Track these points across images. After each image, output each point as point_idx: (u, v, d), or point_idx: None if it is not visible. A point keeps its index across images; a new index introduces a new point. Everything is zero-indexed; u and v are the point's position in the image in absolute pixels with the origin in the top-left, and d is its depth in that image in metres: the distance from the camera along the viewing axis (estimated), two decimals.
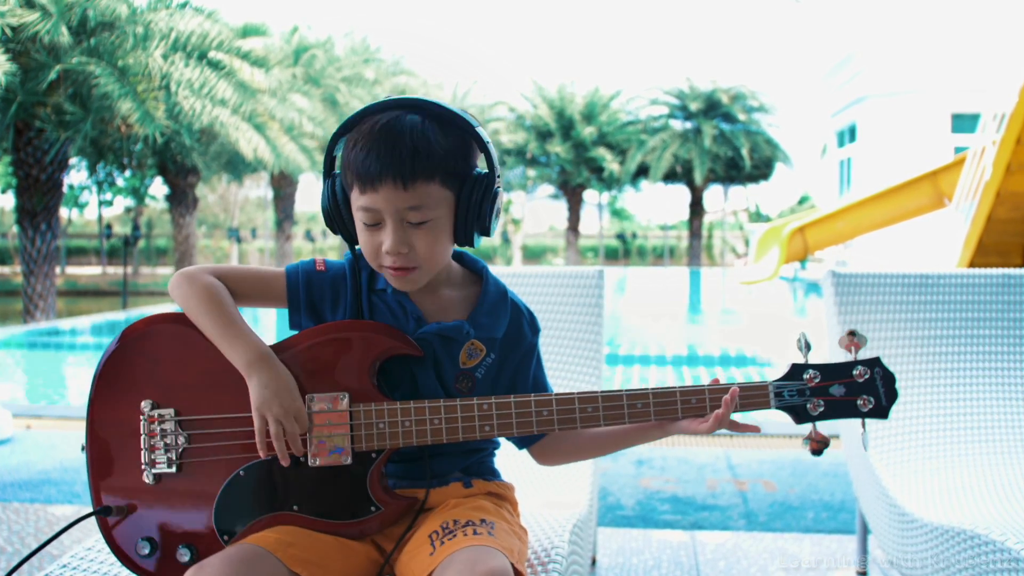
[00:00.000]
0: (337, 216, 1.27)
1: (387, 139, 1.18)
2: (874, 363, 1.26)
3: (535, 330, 1.39)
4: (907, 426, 2.21)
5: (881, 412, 1.25)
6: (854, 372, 1.25)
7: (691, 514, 3.14)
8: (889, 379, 1.25)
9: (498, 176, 1.25)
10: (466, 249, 1.38)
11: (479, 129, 1.24)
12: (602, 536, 2.82)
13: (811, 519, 3.07)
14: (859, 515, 2.36)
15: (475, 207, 1.22)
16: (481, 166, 1.28)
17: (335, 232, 1.30)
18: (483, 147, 1.25)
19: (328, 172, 1.29)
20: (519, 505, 1.42)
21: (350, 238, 1.29)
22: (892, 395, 1.25)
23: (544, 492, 1.97)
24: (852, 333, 1.24)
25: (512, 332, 1.35)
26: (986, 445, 2.20)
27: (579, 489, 1.97)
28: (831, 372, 1.25)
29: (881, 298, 2.30)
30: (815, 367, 1.26)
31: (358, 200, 1.22)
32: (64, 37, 10.40)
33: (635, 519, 3.08)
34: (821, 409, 1.25)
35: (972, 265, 8.91)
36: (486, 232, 1.26)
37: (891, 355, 2.27)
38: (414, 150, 1.17)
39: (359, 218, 1.24)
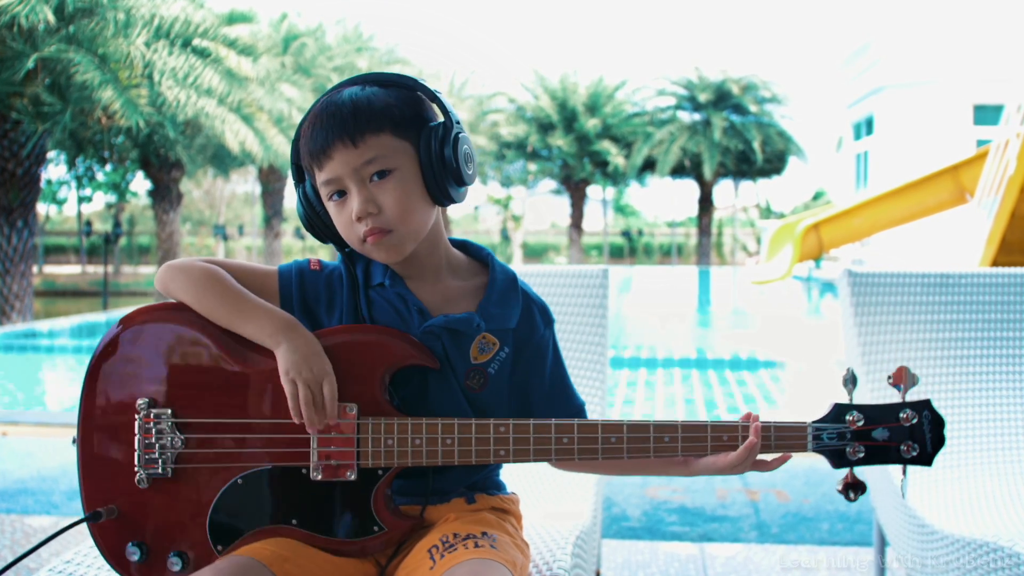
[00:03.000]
0: (316, 218, 1.29)
1: (328, 110, 1.23)
2: (923, 406, 1.23)
3: (548, 321, 1.37)
4: None
5: (925, 459, 1.22)
6: (901, 416, 1.22)
7: (700, 525, 3.14)
8: (937, 424, 1.22)
9: (456, 122, 1.26)
10: (471, 239, 1.39)
11: (423, 82, 1.27)
12: (607, 548, 2.82)
13: (826, 530, 3.07)
14: (876, 526, 2.36)
15: (437, 155, 1.23)
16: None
17: (319, 237, 1.31)
18: (433, 97, 1.27)
19: (299, 181, 1.31)
20: (522, 518, 1.41)
21: (335, 238, 1.30)
22: (939, 441, 1.22)
23: (546, 502, 1.97)
24: (904, 371, 1.21)
25: (524, 323, 1.34)
26: (1010, 453, 2.20)
27: (582, 499, 1.97)
28: (876, 415, 1.23)
29: (900, 299, 2.30)
30: (859, 408, 1.23)
31: (320, 179, 1.24)
32: (46, 20, 10.38)
33: (641, 530, 3.09)
34: (861, 455, 1.22)
35: (995, 264, 8.91)
36: (461, 180, 1.25)
37: (910, 359, 2.27)
38: (355, 108, 1.21)
39: (326, 197, 1.25)
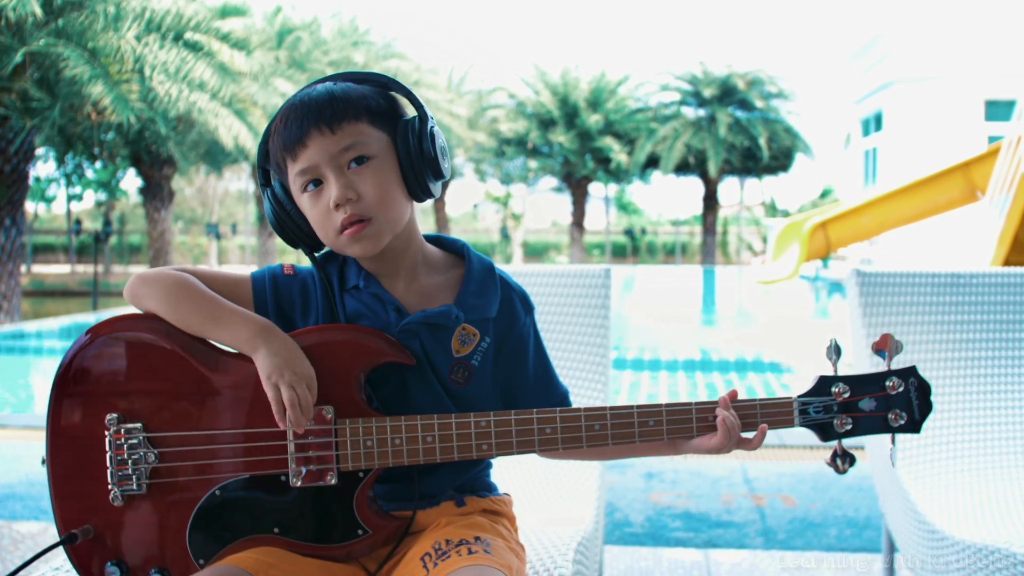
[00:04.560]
0: (287, 218, 1.28)
1: (301, 103, 1.24)
2: (909, 373, 1.24)
3: (528, 308, 1.38)
4: (938, 437, 2.21)
5: (913, 427, 1.24)
6: (887, 384, 1.24)
7: (705, 531, 3.14)
8: (924, 390, 1.24)
9: (430, 116, 1.27)
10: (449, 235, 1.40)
11: (396, 79, 1.29)
12: (609, 555, 2.82)
13: (834, 537, 3.07)
14: (885, 532, 2.36)
15: (416, 148, 1.24)
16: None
17: (290, 241, 1.30)
18: (406, 93, 1.29)
19: (265, 184, 1.31)
20: (517, 520, 1.41)
21: (307, 240, 1.30)
22: (926, 408, 1.24)
23: (546, 507, 1.98)
24: (889, 338, 1.22)
25: (505, 312, 1.34)
26: (1021, 457, 2.20)
27: (584, 504, 1.97)
28: (861, 385, 1.24)
29: (909, 299, 2.30)
30: (845, 380, 1.24)
31: (294, 171, 1.24)
32: (34, 13, 10.37)
33: (644, 536, 3.09)
34: (849, 427, 1.24)
35: (1007, 263, 8.91)
36: (439, 173, 1.26)
37: (920, 360, 2.27)
38: (330, 97, 1.23)
39: (300, 189, 1.25)
